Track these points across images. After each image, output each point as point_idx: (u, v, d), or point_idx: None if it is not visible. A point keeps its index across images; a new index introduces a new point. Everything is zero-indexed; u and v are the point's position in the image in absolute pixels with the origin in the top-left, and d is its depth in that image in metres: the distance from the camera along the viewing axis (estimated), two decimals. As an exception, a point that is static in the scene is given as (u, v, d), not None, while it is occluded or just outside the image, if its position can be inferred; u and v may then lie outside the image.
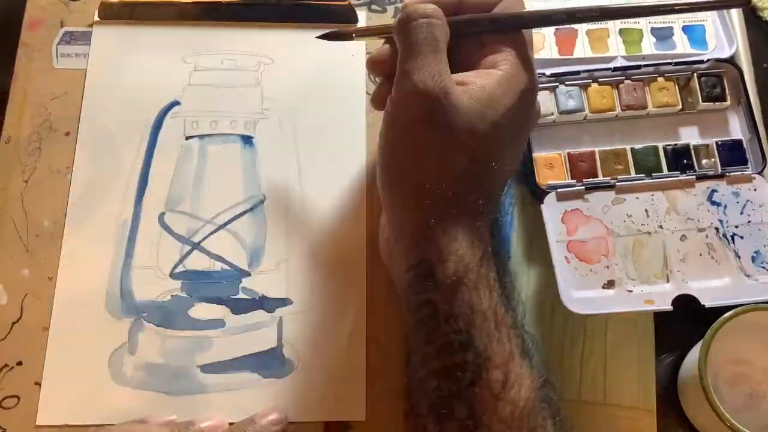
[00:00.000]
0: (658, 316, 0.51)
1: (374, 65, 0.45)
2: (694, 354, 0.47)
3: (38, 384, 0.47)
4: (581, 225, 0.52)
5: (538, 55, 0.55)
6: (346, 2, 0.56)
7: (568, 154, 0.54)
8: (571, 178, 0.53)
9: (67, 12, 0.56)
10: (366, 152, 0.53)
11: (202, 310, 0.49)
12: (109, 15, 0.56)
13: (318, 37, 0.48)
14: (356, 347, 0.49)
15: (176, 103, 0.54)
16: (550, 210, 0.51)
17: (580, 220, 0.52)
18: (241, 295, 0.50)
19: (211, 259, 0.50)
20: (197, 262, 0.50)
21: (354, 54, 0.56)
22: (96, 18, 0.56)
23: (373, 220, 0.51)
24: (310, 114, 0.54)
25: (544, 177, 0.53)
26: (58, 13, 0.56)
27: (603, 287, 0.50)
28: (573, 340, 0.51)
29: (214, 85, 0.55)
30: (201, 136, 0.53)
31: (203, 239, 0.51)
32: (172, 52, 0.55)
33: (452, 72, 0.41)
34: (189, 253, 0.50)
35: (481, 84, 0.41)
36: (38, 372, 0.48)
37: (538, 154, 0.53)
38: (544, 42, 0.56)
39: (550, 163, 0.53)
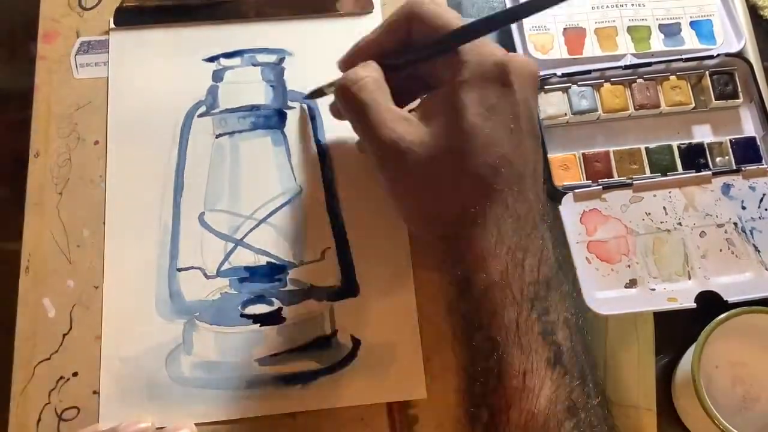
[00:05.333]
0: (656, 316, 0.50)
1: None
2: (687, 356, 0.47)
3: (96, 392, 0.47)
4: (600, 225, 0.51)
5: (547, 55, 0.56)
6: (362, -11, 0.57)
7: (583, 154, 0.54)
8: (586, 179, 0.53)
9: (81, 21, 0.56)
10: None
11: (252, 305, 0.49)
12: (124, 21, 0.56)
13: (305, 97, 0.53)
14: (410, 327, 0.49)
15: (202, 102, 0.54)
16: (569, 211, 0.51)
17: (598, 220, 0.52)
18: (290, 287, 0.50)
19: (255, 253, 0.51)
20: (242, 258, 0.51)
21: (372, 40, 0.56)
22: (111, 25, 0.56)
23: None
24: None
25: (559, 178, 0.53)
26: (72, 24, 0.56)
27: (625, 287, 0.50)
28: (573, 340, 0.51)
29: (237, 82, 0.55)
30: (231, 133, 0.53)
31: (245, 235, 0.51)
32: (191, 53, 0.55)
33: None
34: (233, 249, 0.51)
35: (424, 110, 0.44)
36: (95, 381, 0.48)
37: (553, 155, 0.53)
38: (553, 42, 0.56)
39: (564, 164, 0.53)
